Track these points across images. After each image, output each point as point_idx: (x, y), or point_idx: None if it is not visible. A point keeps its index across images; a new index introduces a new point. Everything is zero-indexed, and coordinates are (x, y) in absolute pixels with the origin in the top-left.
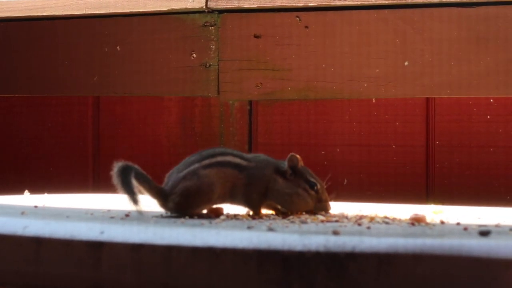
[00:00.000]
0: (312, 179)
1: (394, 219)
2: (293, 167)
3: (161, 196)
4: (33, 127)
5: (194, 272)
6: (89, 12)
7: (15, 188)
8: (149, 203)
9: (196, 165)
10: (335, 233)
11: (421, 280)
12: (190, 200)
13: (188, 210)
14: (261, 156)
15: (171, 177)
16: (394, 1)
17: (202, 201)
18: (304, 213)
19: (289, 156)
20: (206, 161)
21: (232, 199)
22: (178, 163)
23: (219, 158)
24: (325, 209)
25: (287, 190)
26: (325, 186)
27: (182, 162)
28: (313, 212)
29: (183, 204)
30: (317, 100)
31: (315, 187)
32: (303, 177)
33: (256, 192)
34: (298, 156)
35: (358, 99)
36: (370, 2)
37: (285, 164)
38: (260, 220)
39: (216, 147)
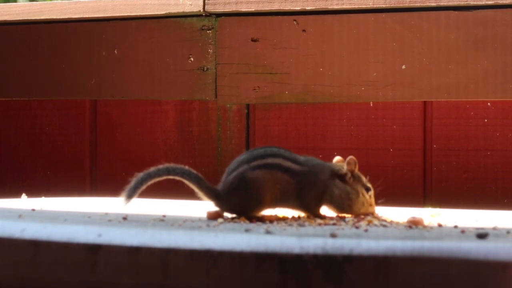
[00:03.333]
0: (368, 184)
1: (391, 222)
2: (351, 171)
3: (214, 197)
4: (30, 131)
5: (192, 275)
6: (86, 16)
7: (12, 191)
8: (146, 206)
9: (245, 166)
10: (333, 235)
11: (419, 283)
12: (242, 206)
13: (244, 215)
14: (314, 159)
15: (224, 177)
16: (392, 5)
17: (254, 206)
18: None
19: (348, 159)
20: (255, 162)
21: (284, 203)
22: None
23: (269, 160)
24: (372, 212)
25: (350, 194)
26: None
27: (233, 161)
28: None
29: (237, 210)
30: (314, 104)
31: (369, 192)
32: (360, 181)
33: (311, 196)
34: (355, 159)
35: (355, 102)
36: (368, 6)
37: (343, 168)
38: (258, 223)
39: (269, 146)
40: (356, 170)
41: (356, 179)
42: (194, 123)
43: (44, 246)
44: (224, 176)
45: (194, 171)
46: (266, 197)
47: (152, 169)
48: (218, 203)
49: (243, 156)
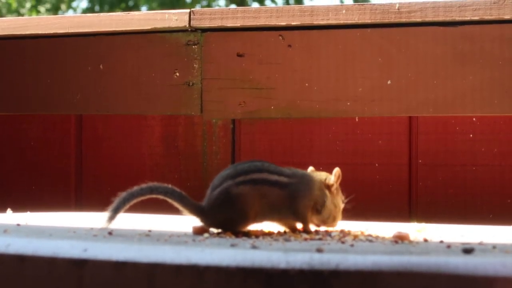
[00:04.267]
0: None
1: (377, 237)
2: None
3: (199, 213)
4: (15, 145)
5: None
6: (72, 31)
7: None
8: (132, 221)
9: (229, 182)
10: (319, 250)
11: None
12: (227, 222)
13: (229, 230)
14: (299, 170)
15: (208, 192)
16: (377, 20)
17: (239, 222)
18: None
19: (336, 171)
20: (240, 178)
21: (275, 216)
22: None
23: (254, 176)
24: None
25: (338, 205)
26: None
27: (217, 176)
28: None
29: (222, 226)
30: (300, 119)
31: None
32: (339, 193)
33: (305, 207)
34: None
35: (341, 117)
36: (354, 21)
37: (330, 179)
38: (244, 238)
39: (252, 160)
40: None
41: (337, 191)
42: (180, 137)
43: (29, 261)
44: (209, 191)
45: (178, 189)
46: (250, 212)
47: (135, 188)
48: (203, 219)
49: (227, 171)
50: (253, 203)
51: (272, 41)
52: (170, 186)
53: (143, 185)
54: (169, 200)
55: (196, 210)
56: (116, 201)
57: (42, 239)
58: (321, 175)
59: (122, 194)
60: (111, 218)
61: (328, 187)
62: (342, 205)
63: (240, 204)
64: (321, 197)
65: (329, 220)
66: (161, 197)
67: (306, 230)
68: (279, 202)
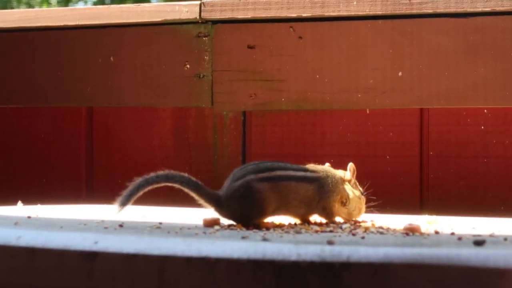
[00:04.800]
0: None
1: (388, 229)
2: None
3: (215, 203)
4: (26, 138)
5: (188, 282)
6: (82, 23)
7: (8, 199)
8: (143, 214)
9: (252, 176)
10: (330, 242)
11: None
12: (243, 215)
13: (243, 222)
14: (316, 166)
15: (227, 182)
16: (389, 12)
17: (255, 216)
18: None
19: (351, 166)
20: (263, 174)
21: (298, 211)
22: None
23: (279, 172)
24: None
25: (360, 197)
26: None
27: (239, 168)
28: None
29: (237, 217)
30: (311, 111)
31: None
32: (358, 187)
33: (334, 201)
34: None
35: (352, 109)
36: (364, 13)
37: (347, 175)
38: (255, 230)
39: (273, 161)
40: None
41: (355, 185)
42: (191, 130)
43: (40, 254)
44: (228, 182)
45: (194, 179)
46: (269, 208)
47: (151, 175)
48: (218, 209)
49: (250, 166)
50: (272, 200)
51: (282, 33)
52: (186, 175)
53: (160, 172)
54: (185, 189)
55: (212, 200)
56: (129, 187)
57: (53, 232)
58: (339, 172)
59: (138, 180)
60: (124, 203)
61: (347, 182)
62: (363, 197)
63: (259, 200)
64: (345, 190)
65: (355, 212)
66: (177, 185)
67: (333, 222)
68: (308, 197)
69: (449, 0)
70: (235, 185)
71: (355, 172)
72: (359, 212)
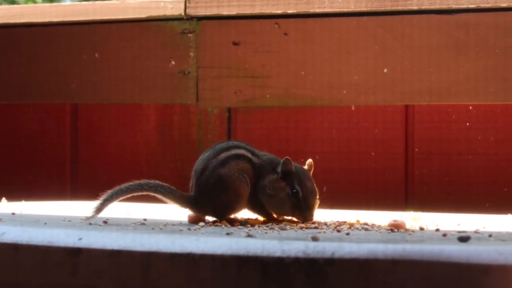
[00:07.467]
0: (297, 186)
1: (373, 225)
2: (286, 171)
3: (192, 204)
4: (10, 135)
5: (173, 279)
6: (67, 19)
7: None
8: (127, 210)
9: (213, 162)
10: (314, 239)
11: (401, 286)
12: (221, 205)
13: (225, 214)
14: (268, 155)
15: (193, 181)
16: (374, 8)
17: (234, 203)
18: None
19: (283, 159)
20: (222, 155)
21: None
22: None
23: (234, 151)
24: (304, 217)
25: (273, 190)
26: (317, 196)
27: (198, 160)
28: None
29: (216, 211)
30: (296, 108)
31: (298, 195)
32: (290, 182)
33: (260, 189)
34: (309, 161)
35: (337, 106)
36: (350, 10)
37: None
38: (239, 227)
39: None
40: (294, 171)
41: (288, 179)
42: (175, 126)
43: (24, 250)
44: (194, 179)
45: (166, 184)
46: (243, 190)
47: (125, 184)
48: (195, 209)
49: (206, 153)
50: (242, 180)
51: (268, 29)
52: (157, 181)
53: (133, 182)
54: (159, 196)
55: (187, 201)
56: (104, 195)
57: (37, 228)
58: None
59: (112, 190)
60: (98, 210)
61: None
62: (292, 193)
63: (231, 183)
64: (262, 179)
65: (266, 204)
66: (150, 193)
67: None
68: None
69: None
70: (203, 178)
71: (311, 168)
72: (271, 206)
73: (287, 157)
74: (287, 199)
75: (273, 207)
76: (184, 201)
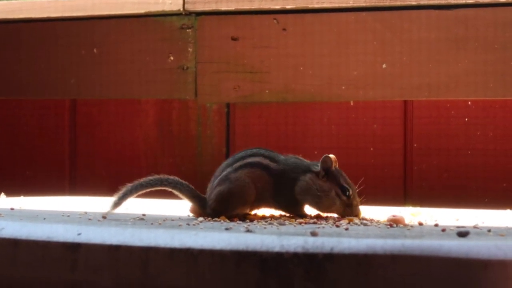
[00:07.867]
0: (345, 184)
1: (372, 221)
2: (327, 169)
3: (201, 204)
4: (9, 130)
5: (172, 274)
6: (66, 15)
7: None
8: (126, 205)
9: (228, 170)
10: (313, 234)
11: (400, 281)
12: (225, 204)
13: (224, 214)
14: (292, 158)
15: (210, 184)
16: (372, 4)
17: (238, 204)
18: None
19: (323, 157)
20: (237, 164)
21: (264, 202)
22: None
23: (249, 160)
24: (354, 214)
25: (318, 191)
26: (357, 190)
27: (218, 168)
28: (342, 215)
29: (218, 209)
30: (295, 103)
31: (347, 193)
32: (336, 180)
33: (286, 195)
34: (332, 157)
35: (336, 101)
36: (348, 5)
37: (318, 166)
38: (238, 222)
39: (251, 148)
40: (333, 168)
41: (331, 178)
42: (174, 122)
43: (23, 245)
44: (210, 183)
45: (185, 182)
46: (250, 195)
47: (144, 179)
48: (202, 210)
49: (226, 162)
50: (251, 186)
51: (266, 24)
52: (177, 178)
53: (153, 176)
54: (176, 192)
55: (199, 202)
56: (123, 189)
57: (36, 223)
58: (313, 164)
59: (131, 184)
60: (117, 205)
61: (315, 174)
62: (342, 192)
63: (238, 188)
64: (299, 181)
65: (314, 204)
66: (169, 189)
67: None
68: (268, 188)
69: None
70: (215, 182)
71: (335, 164)
72: (320, 206)
73: (326, 154)
74: (337, 198)
75: (322, 207)
76: (197, 201)
